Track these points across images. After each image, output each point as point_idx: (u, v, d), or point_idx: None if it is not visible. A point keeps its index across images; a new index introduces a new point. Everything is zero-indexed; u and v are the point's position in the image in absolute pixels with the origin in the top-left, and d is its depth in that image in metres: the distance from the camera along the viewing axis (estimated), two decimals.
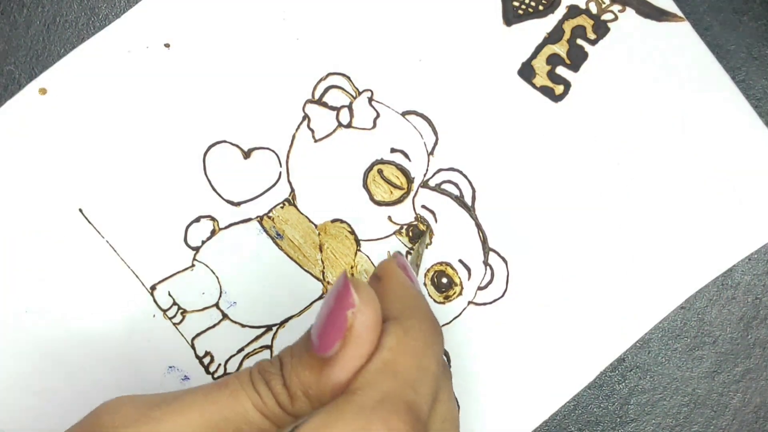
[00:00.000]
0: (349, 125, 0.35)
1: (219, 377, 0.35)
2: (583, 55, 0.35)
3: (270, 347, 0.35)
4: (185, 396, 0.25)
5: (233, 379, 0.25)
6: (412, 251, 0.35)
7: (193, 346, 0.35)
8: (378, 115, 0.35)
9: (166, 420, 0.24)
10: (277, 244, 0.35)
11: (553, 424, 0.36)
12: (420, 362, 0.25)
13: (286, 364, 0.25)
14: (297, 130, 0.35)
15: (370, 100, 0.35)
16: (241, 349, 0.35)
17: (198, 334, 0.35)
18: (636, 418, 0.36)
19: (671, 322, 0.36)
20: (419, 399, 0.24)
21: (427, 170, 0.35)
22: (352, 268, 0.35)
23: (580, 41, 0.36)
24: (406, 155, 0.35)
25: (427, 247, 0.35)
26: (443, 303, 0.35)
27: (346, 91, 0.35)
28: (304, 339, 0.25)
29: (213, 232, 0.35)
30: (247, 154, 0.35)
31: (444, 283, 0.35)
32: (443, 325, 0.35)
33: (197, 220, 0.35)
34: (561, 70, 0.35)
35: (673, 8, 0.35)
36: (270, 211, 0.35)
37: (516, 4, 0.36)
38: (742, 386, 0.36)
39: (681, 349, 0.36)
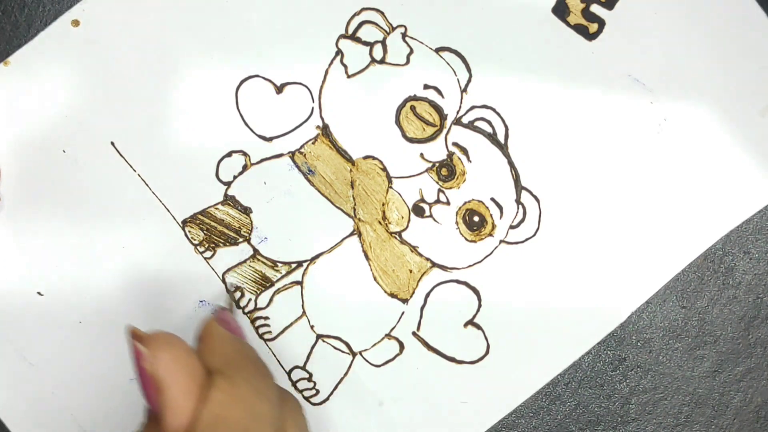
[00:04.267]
0: (382, 61, 0.35)
1: (249, 312, 0.35)
2: None
3: (300, 283, 0.35)
4: None
5: None
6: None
7: (224, 281, 0.35)
8: (411, 51, 0.35)
9: None
10: (308, 180, 0.35)
11: (554, 423, 0.35)
12: (252, 409, 0.25)
13: None
14: (330, 65, 0.35)
15: (404, 35, 0.35)
16: (272, 285, 0.35)
17: (228, 269, 0.35)
18: (637, 418, 0.36)
19: (672, 321, 0.35)
20: None
21: (460, 107, 0.35)
22: (383, 205, 0.35)
23: None
24: (439, 92, 0.35)
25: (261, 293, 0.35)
26: (474, 241, 0.35)
27: (379, 26, 0.35)
28: (144, 409, 0.26)
29: (245, 167, 0.35)
30: (279, 89, 0.35)
31: (476, 222, 0.35)
32: (474, 264, 0.35)
33: (229, 155, 0.35)
34: (595, 8, 0.35)
35: None
36: (302, 146, 0.35)
37: None
38: (744, 386, 0.36)
39: (682, 349, 0.36)
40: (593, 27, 0.35)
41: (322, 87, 0.35)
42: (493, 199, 0.35)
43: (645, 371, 0.35)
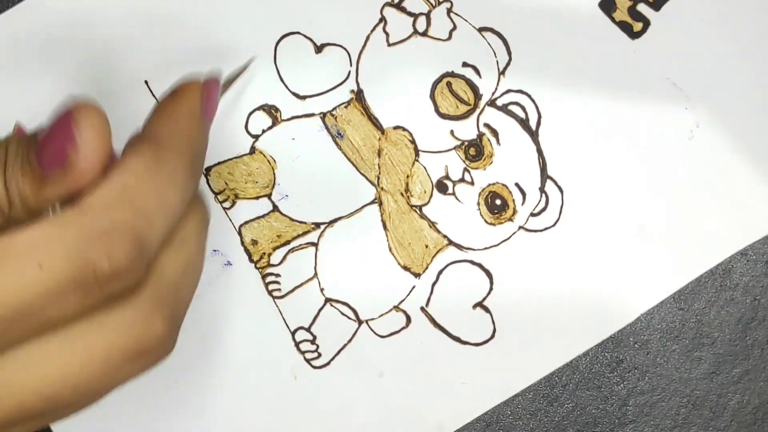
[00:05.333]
0: (424, 33, 0.35)
1: (262, 268, 0.35)
2: None
3: (315, 245, 0.35)
4: None
5: None
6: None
7: (240, 233, 0.35)
8: (454, 27, 0.35)
9: None
10: (336, 143, 0.35)
11: (552, 425, 0.35)
12: (163, 198, 0.23)
13: (9, 163, 0.23)
14: (372, 31, 0.35)
15: (449, 11, 0.35)
16: (287, 243, 0.35)
17: (246, 222, 0.35)
18: (634, 420, 0.36)
19: (670, 323, 0.35)
20: (151, 232, 0.22)
21: (496, 89, 0.35)
22: (407, 177, 0.35)
23: None
24: (477, 71, 0.35)
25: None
26: (494, 224, 0.35)
27: None
28: (29, 140, 0.23)
29: (274, 123, 0.35)
30: (319, 49, 0.35)
31: (497, 205, 0.35)
32: (490, 247, 0.35)
33: (260, 108, 0.35)
34: (642, 7, 0.35)
35: None
36: (334, 109, 0.35)
37: None
38: (741, 387, 0.36)
39: (679, 351, 0.35)
40: (638, 26, 0.35)
41: (361, 52, 0.35)
42: (517, 185, 0.35)
43: (642, 373, 0.35)
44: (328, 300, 0.35)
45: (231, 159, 0.35)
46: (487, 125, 0.35)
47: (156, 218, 0.23)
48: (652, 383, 0.36)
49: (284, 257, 0.35)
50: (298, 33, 0.35)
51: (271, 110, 0.35)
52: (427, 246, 0.35)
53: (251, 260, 0.35)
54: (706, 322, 0.36)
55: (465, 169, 0.35)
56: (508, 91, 0.35)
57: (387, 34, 0.35)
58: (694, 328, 0.36)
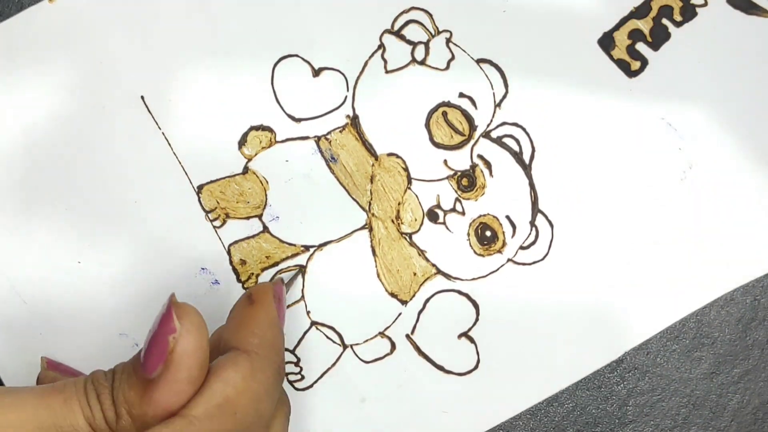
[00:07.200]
0: (422, 62, 0.35)
1: (248, 287, 0.35)
2: (666, 36, 0.35)
3: (304, 267, 0.35)
4: (20, 393, 0.25)
5: (69, 385, 0.25)
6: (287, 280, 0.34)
7: (229, 253, 0.35)
8: (453, 58, 0.35)
9: None
10: (329, 167, 0.35)
11: (551, 425, 0.35)
12: (259, 406, 0.25)
13: (117, 379, 0.25)
14: (370, 57, 0.35)
15: (448, 41, 0.35)
16: (276, 264, 0.35)
17: (236, 242, 0.35)
18: (635, 420, 0.36)
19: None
20: None
21: (491, 121, 0.35)
22: (399, 204, 0.35)
23: (665, 21, 0.35)
24: (473, 102, 0.35)
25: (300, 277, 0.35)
26: (483, 255, 0.35)
27: (425, 27, 0.35)
28: (134, 357, 0.25)
29: (269, 143, 0.35)
30: (316, 73, 0.35)
31: (487, 236, 0.35)
32: (478, 278, 0.35)
33: (255, 128, 0.35)
34: (641, 47, 0.35)
35: (765, 3, 0.35)
36: (329, 133, 0.35)
37: None
38: (741, 387, 0.36)
39: (680, 351, 0.36)
40: (636, 65, 0.35)
41: (358, 78, 0.35)
42: (507, 217, 0.35)
43: (643, 373, 0.35)
44: (313, 323, 0.35)
45: (223, 178, 0.35)
46: (480, 156, 0.35)
47: (254, 427, 0.25)
48: (652, 383, 0.36)
49: (272, 278, 0.35)
50: (297, 56, 0.35)
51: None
52: (415, 274, 0.35)
53: (239, 280, 0.35)
54: (706, 323, 0.36)
55: (457, 199, 0.35)
56: (504, 123, 0.35)
57: (385, 61, 0.35)
58: (694, 328, 0.36)
